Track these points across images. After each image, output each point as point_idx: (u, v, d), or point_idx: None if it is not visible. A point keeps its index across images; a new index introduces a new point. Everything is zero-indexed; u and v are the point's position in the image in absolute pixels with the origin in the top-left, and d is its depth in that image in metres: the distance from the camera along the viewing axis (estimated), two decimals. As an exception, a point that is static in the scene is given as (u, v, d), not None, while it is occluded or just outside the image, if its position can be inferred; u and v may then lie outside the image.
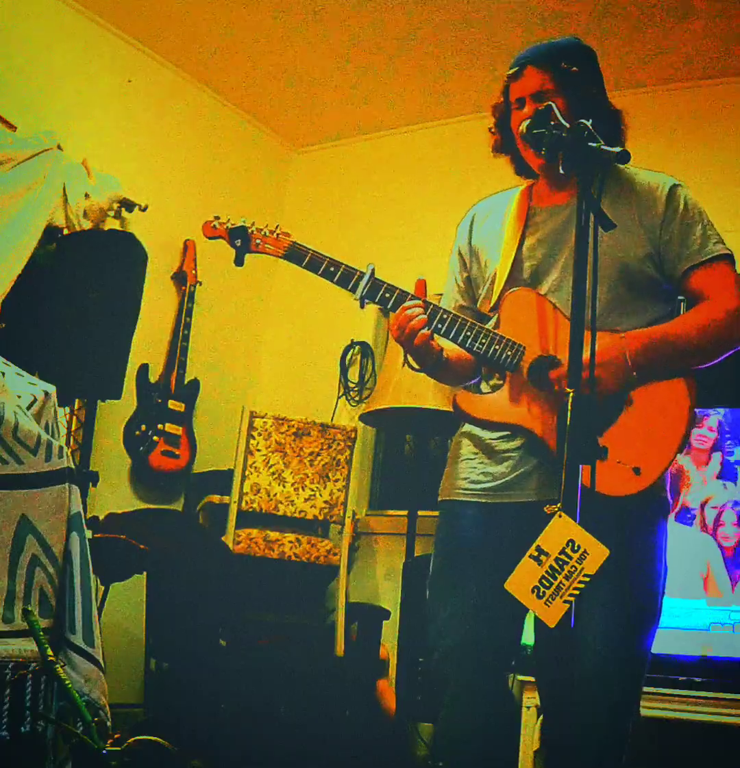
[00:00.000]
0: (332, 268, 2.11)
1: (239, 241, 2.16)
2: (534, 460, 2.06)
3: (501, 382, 2.11)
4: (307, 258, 2.13)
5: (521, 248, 2.16)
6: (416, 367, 2.14)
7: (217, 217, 2.19)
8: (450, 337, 2.07)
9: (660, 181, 2.14)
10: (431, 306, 2.07)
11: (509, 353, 2.04)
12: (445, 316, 2.07)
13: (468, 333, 2.06)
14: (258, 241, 2.16)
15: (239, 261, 2.17)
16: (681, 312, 2.16)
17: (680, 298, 2.16)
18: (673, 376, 2.03)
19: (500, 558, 1.87)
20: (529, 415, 2.04)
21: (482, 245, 2.26)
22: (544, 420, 2.01)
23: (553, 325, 2.05)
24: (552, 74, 2.09)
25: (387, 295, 2.09)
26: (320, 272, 2.12)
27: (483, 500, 2.11)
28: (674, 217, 2.09)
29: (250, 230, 2.16)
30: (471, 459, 2.16)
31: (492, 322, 2.16)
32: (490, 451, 2.13)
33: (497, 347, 2.05)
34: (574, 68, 2.09)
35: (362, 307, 2.13)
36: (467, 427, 2.20)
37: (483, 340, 2.05)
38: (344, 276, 2.10)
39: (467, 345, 2.07)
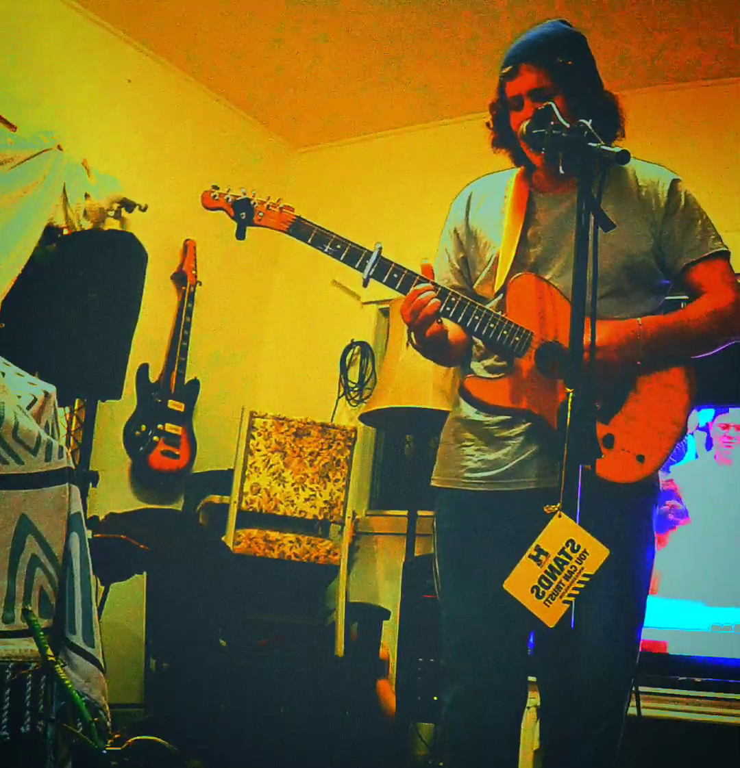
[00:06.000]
0: (338, 246, 2.05)
1: (244, 213, 2.08)
2: (535, 446, 2.05)
3: (500, 363, 2.10)
4: (312, 234, 2.07)
5: (525, 234, 2.14)
6: (419, 346, 2.11)
7: (216, 187, 2.12)
8: (458, 320, 2.04)
9: (661, 175, 2.15)
10: (440, 289, 2.04)
11: (517, 339, 2.03)
12: (453, 299, 2.04)
13: (476, 317, 2.03)
14: (261, 213, 2.09)
15: (240, 234, 2.09)
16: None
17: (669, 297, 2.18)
18: (674, 365, 2.05)
19: (500, 557, 1.87)
20: (537, 401, 2.03)
21: (480, 227, 2.23)
22: (551, 406, 2.00)
23: (557, 310, 2.05)
24: (548, 71, 2.07)
25: (396, 275, 2.04)
26: (325, 249, 2.05)
27: (482, 489, 2.10)
28: (675, 212, 2.11)
29: (252, 202, 2.09)
30: (468, 445, 2.14)
31: (493, 305, 2.14)
32: (488, 438, 2.12)
33: (505, 333, 2.03)
34: (569, 62, 2.07)
35: (365, 286, 2.07)
36: (464, 412, 2.17)
37: (491, 325, 2.03)
38: (350, 254, 2.05)
39: (475, 330, 2.04)
